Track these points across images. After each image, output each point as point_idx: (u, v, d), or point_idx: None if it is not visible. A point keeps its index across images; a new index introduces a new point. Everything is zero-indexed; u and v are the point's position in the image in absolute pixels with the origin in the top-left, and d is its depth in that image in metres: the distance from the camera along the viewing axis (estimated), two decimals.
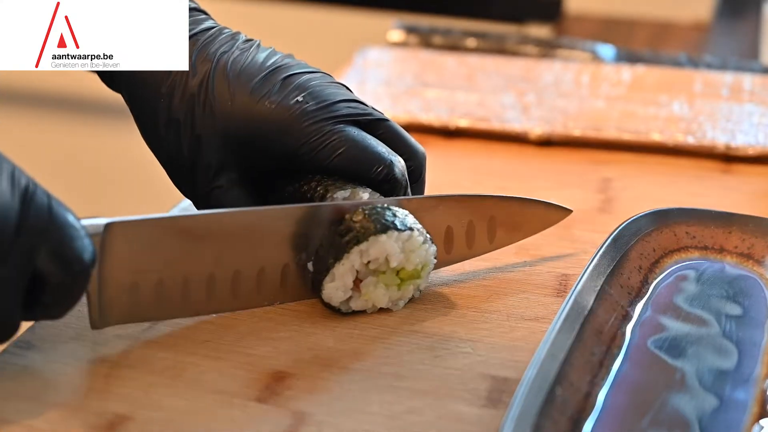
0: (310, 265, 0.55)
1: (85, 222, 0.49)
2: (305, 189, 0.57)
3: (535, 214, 0.62)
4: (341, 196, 0.55)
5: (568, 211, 0.63)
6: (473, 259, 0.61)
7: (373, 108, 0.60)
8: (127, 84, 0.60)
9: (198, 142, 0.58)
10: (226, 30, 0.61)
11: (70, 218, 0.47)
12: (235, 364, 0.51)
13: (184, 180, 0.59)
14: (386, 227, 0.53)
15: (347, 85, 0.61)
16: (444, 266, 0.59)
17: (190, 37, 0.59)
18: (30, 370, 0.50)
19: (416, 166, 0.60)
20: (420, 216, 0.56)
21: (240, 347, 0.52)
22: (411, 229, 0.54)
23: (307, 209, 0.55)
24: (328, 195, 0.56)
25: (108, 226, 0.50)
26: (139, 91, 0.59)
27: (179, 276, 0.53)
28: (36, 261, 0.46)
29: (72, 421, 0.47)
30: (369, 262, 0.54)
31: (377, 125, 0.59)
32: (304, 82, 0.58)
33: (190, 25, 0.59)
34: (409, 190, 0.59)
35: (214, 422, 0.47)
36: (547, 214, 0.62)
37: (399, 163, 0.58)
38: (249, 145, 0.57)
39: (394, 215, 0.54)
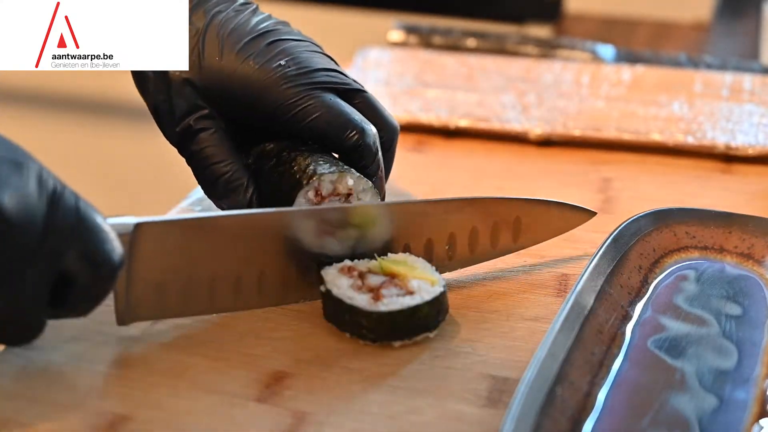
0: None
1: (113, 222, 0.49)
2: (293, 166, 0.58)
3: (560, 216, 0.62)
4: (328, 179, 0.57)
5: (592, 213, 0.63)
6: None
7: (353, 80, 0.62)
8: None
9: (174, 85, 0.59)
10: None
11: (99, 220, 0.47)
12: (235, 364, 0.51)
13: (166, 125, 0.60)
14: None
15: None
16: (468, 265, 0.59)
17: None
18: (30, 370, 0.50)
19: (388, 137, 0.62)
20: (446, 217, 0.58)
21: (240, 347, 0.52)
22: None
23: (330, 211, 0.56)
24: (316, 176, 0.57)
25: (137, 226, 0.51)
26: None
27: (206, 275, 0.53)
28: (64, 262, 0.46)
29: (72, 421, 0.47)
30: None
31: (354, 95, 0.61)
32: (289, 48, 0.60)
33: None
34: (380, 158, 0.60)
35: (214, 422, 0.47)
36: (571, 216, 0.62)
37: (371, 131, 0.60)
38: (231, 100, 0.59)
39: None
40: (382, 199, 0.61)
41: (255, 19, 0.61)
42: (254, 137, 0.61)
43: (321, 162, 0.58)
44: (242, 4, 0.62)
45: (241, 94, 0.59)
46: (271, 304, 0.56)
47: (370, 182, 0.58)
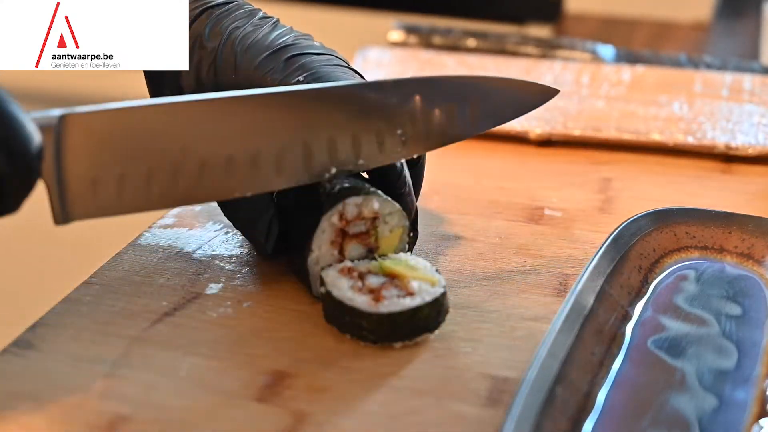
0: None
1: (37, 114, 0.49)
2: (317, 186, 0.56)
3: (519, 93, 0.60)
4: (353, 202, 0.55)
5: (555, 91, 0.61)
6: (473, 259, 0.61)
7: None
8: None
9: None
10: (247, 6, 0.61)
11: (13, 108, 0.47)
12: (235, 364, 0.51)
13: None
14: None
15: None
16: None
17: (205, 9, 0.60)
18: (30, 370, 0.50)
19: None
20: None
21: (240, 347, 0.52)
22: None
23: (270, 95, 0.54)
24: (340, 200, 0.55)
25: (63, 117, 0.50)
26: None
27: (143, 169, 0.52)
28: None
29: (72, 421, 0.47)
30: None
31: None
32: (308, 63, 0.58)
33: None
34: (406, 174, 0.59)
35: (214, 422, 0.47)
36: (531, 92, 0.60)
37: None
38: None
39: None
40: (413, 217, 0.59)
41: (274, 34, 0.59)
42: None
43: (346, 183, 0.56)
44: (261, 18, 0.60)
45: None
46: (210, 199, 0.55)
47: (397, 205, 0.56)
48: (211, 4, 0.60)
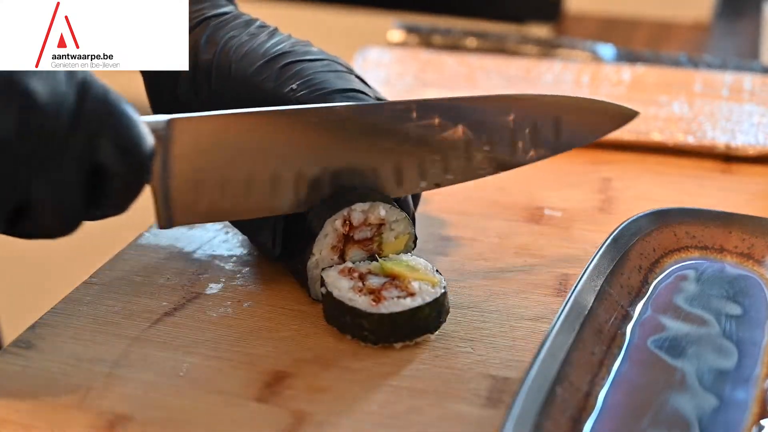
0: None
1: (146, 118, 0.49)
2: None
3: (598, 116, 0.61)
4: (360, 209, 0.55)
5: (634, 113, 0.62)
6: (473, 259, 0.61)
7: (376, 97, 0.59)
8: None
9: None
10: (244, 16, 0.61)
11: (128, 109, 0.48)
12: (235, 364, 0.51)
13: None
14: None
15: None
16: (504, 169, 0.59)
17: (202, 20, 0.60)
18: (30, 370, 0.50)
19: None
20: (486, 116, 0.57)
21: (240, 347, 0.52)
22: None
23: (370, 109, 0.55)
24: (347, 204, 0.55)
25: (170, 121, 0.51)
26: (150, 73, 0.61)
27: (242, 174, 0.53)
28: (96, 152, 0.46)
29: (72, 421, 0.47)
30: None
31: None
32: (304, 70, 0.58)
33: (204, 9, 0.60)
34: None
35: (214, 422, 0.47)
36: (611, 115, 0.61)
37: None
38: None
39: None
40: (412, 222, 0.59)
41: (270, 42, 0.59)
42: None
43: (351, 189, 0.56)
44: (258, 27, 0.60)
45: None
46: (302, 208, 0.55)
47: (404, 212, 0.56)
48: (207, 15, 0.60)
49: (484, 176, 0.59)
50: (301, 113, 0.54)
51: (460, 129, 0.57)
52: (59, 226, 0.47)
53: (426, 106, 0.56)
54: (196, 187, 0.52)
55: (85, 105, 0.46)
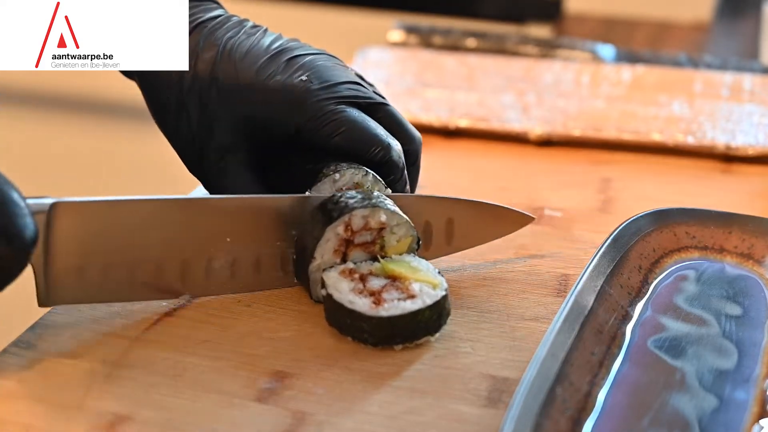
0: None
1: (30, 201, 0.49)
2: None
3: (495, 220, 0.62)
4: (360, 214, 0.55)
5: (530, 218, 0.62)
6: (473, 259, 0.61)
7: (374, 91, 0.61)
8: (139, 71, 0.61)
9: (207, 125, 0.59)
10: (234, 17, 0.62)
11: (14, 195, 0.48)
12: (235, 364, 0.51)
13: (194, 162, 0.60)
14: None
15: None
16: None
17: (197, 24, 0.60)
18: (30, 370, 0.50)
19: (412, 150, 0.62)
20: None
21: (240, 347, 0.52)
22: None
23: (253, 202, 0.56)
24: (347, 210, 0.55)
25: (53, 205, 0.51)
26: (150, 77, 0.61)
27: (127, 260, 0.53)
28: None
29: (72, 421, 0.47)
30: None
31: (377, 108, 0.61)
32: (308, 62, 0.59)
33: (197, 13, 0.61)
34: (405, 173, 0.60)
35: (214, 422, 0.47)
36: (508, 219, 0.62)
37: (396, 146, 0.59)
38: (253, 123, 0.59)
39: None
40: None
41: (268, 40, 0.60)
42: (269, 156, 0.60)
43: (353, 192, 0.56)
44: (252, 27, 0.62)
45: (263, 114, 0.59)
46: (195, 293, 0.56)
47: (405, 216, 0.56)
48: (202, 19, 0.61)
49: None
50: (182, 202, 0.55)
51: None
52: None
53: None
54: (78, 271, 0.53)
55: None
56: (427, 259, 0.57)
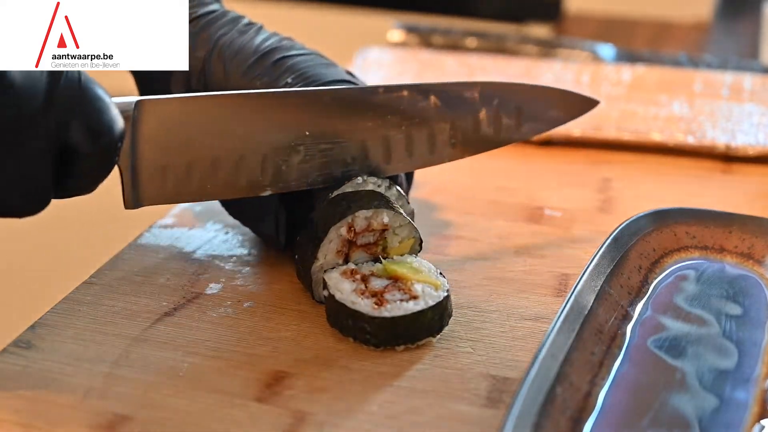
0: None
1: (116, 100, 0.50)
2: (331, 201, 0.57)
3: (561, 103, 0.63)
4: (363, 215, 0.55)
5: (595, 102, 0.63)
6: (473, 259, 0.62)
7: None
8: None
9: None
10: (231, 13, 0.62)
11: (100, 92, 0.49)
12: (235, 364, 0.51)
13: None
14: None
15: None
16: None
17: (192, 20, 0.61)
18: (30, 370, 0.50)
19: None
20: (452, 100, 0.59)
21: (240, 347, 0.52)
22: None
23: (336, 93, 0.56)
24: (350, 212, 0.55)
25: (139, 102, 0.52)
26: (142, 74, 0.62)
27: (209, 156, 0.54)
28: (67, 133, 0.47)
29: (72, 421, 0.47)
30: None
31: None
32: (295, 64, 0.59)
33: (193, 7, 0.61)
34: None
35: (214, 422, 0.47)
36: (573, 102, 0.63)
37: None
38: None
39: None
40: (409, 214, 0.60)
41: (259, 39, 0.61)
42: None
43: (355, 192, 0.56)
44: (246, 25, 0.62)
45: None
46: (272, 190, 0.56)
47: (407, 218, 0.56)
48: (196, 14, 0.61)
49: (454, 158, 0.61)
50: (265, 96, 0.56)
51: (431, 99, 0.58)
52: (27, 203, 0.48)
53: (393, 87, 0.58)
54: (163, 168, 0.53)
55: (58, 87, 0.47)
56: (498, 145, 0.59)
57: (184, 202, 0.55)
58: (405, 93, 0.58)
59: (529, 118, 0.61)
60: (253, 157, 0.55)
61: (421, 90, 0.58)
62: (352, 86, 0.58)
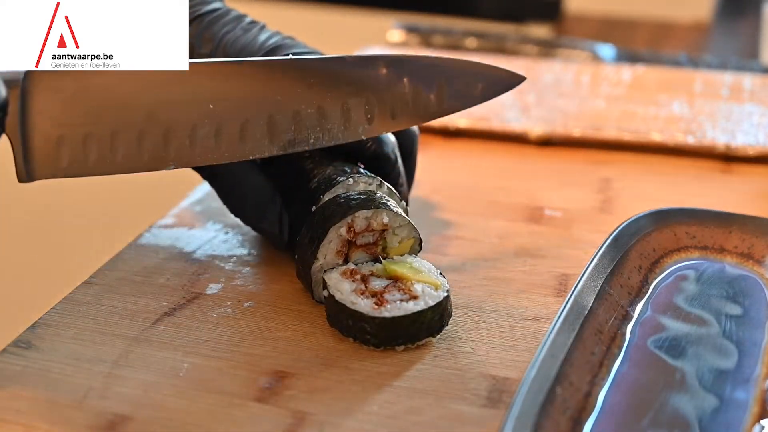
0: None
1: (3, 70, 0.49)
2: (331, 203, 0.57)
3: (486, 79, 0.60)
4: (363, 216, 0.55)
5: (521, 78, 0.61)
6: (473, 259, 0.62)
7: None
8: None
9: None
10: (233, 11, 0.62)
11: None
12: (235, 364, 0.51)
13: None
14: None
15: None
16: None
17: (195, 17, 0.61)
18: (30, 370, 0.50)
19: (407, 144, 0.62)
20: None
21: (240, 347, 0.52)
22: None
23: (237, 65, 0.55)
24: (350, 212, 0.55)
25: (28, 74, 0.51)
26: None
27: (108, 130, 0.53)
28: None
29: (72, 421, 0.47)
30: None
31: None
32: None
33: (196, 5, 0.61)
34: (400, 165, 0.60)
35: (214, 422, 0.47)
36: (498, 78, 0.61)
37: (389, 140, 0.60)
38: None
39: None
40: (406, 206, 0.60)
41: (263, 36, 0.61)
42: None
43: (356, 194, 0.56)
44: (250, 23, 0.62)
45: None
46: (176, 165, 0.55)
47: (407, 218, 0.56)
48: (200, 12, 0.61)
49: (371, 134, 0.58)
50: (164, 73, 0.54)
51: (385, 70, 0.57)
52: None
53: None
54: (58, 141, 0.52)
55: None
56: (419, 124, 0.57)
57: (82, 176, 0.53)
58: (318, 64, 0.57)
59: (453, 94, 0.59)
60: (153, 131, 0.54)
61: (347, 62, 0.57)
62: (260, 58, 0.57)
